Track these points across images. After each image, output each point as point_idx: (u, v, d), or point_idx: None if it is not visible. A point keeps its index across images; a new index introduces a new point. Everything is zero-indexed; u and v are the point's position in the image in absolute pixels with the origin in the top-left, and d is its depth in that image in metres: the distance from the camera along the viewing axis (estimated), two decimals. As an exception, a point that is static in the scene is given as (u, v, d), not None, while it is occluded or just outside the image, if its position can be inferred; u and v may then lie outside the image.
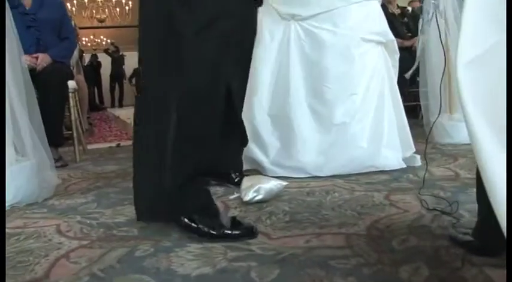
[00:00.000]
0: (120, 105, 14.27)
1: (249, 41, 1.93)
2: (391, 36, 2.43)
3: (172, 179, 1.40)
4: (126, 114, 8.49)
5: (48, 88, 2.81)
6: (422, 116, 3.77)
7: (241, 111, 2.06)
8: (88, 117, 6.38)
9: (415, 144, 2.45)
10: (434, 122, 2.18)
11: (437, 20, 2.52)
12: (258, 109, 2.29)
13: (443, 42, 3.23)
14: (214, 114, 1.48)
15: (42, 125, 2.14)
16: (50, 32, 3.13)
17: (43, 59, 2.94)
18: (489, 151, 0.45)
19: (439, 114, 2.02)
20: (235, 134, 2.04)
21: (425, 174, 1.91)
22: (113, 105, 14.10)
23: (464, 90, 0.52)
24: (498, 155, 0.45)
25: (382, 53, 2.40)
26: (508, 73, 0.54)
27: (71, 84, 3.11)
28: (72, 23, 4.05)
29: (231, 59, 1.52)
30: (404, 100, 4.38)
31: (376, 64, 2.33)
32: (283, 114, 2.27)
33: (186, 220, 1.40)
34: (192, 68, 1.40)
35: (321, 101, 2.25)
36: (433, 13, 2.99)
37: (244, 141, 2.11)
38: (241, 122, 2.05)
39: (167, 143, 1.40)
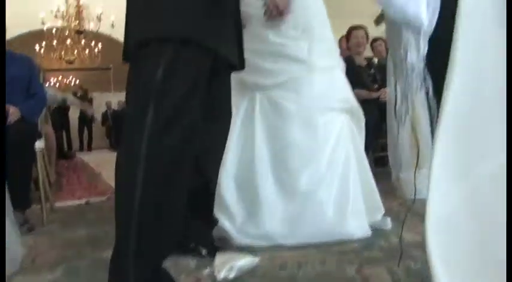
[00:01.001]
0: (89, 149, 14.12)
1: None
2: (355, 103, 2.49)
3: (135, 268, 1.38)
4: (95, 160, 8.40)
5: (14, 150, 2.75)
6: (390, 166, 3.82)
7: (215, 183, 2.06)
8: (56, 165, 6.25)
9: (384, 201, 2.47)
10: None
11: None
12: (224, 178, 2.28)
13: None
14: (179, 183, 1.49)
15: (7, 190, 2.08)
16: (19, 90, 3.11)
17: (13, 113, 2.91)
18: None
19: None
20: (204, 208, 2.04)
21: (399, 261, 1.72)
22: (81, 149, 13.91)
23: (435, 257, 0.53)
24: None
25: (346, 121, 2.45)
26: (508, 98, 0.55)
27: (38, 145, 3.07)
28: (41, 77, 4.02)
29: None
30: (372, 152, 4.46)
31: (340, 132, 2.38)
32: (248, 183, 2.28)
33: None
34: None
35: (285, 169, 2.27)
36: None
37: (213, 221, 2.11)
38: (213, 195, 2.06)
39: (132, 216, 1.39)
